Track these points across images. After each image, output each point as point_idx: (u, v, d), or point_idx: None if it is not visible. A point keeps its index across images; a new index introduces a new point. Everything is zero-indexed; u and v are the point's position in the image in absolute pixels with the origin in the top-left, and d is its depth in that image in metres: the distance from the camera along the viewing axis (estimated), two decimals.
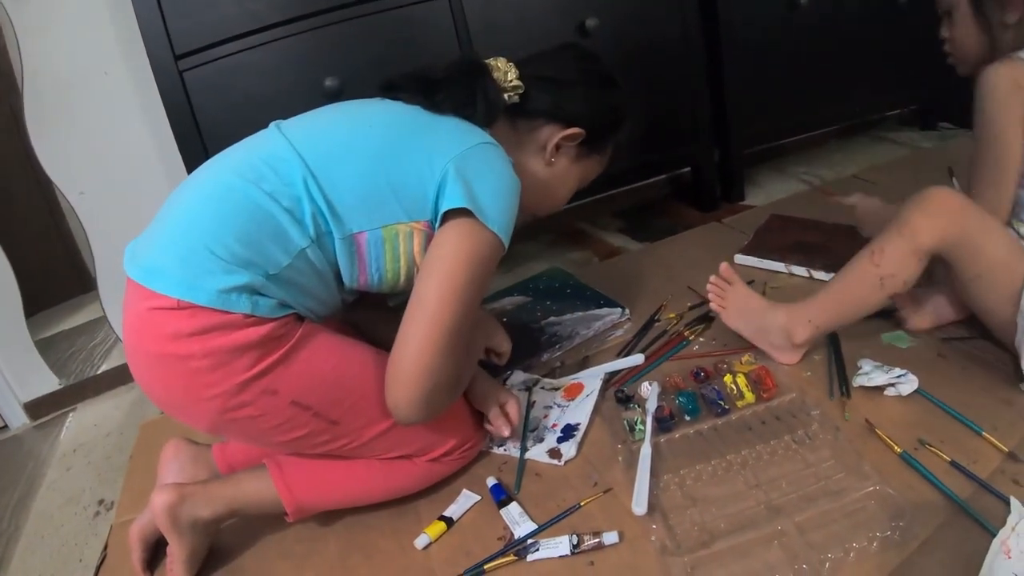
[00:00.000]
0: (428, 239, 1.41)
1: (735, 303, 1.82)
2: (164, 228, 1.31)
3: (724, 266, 1.84)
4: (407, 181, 1.36)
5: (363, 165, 1.35)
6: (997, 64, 1.53)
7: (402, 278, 1.45)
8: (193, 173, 1.40)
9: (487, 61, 1.53)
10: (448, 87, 1.46)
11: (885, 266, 1.58)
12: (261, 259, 1.27)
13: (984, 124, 1.57)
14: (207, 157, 1.41)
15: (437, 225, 1.38)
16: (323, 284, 1.39)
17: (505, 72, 1.52)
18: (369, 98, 1.52)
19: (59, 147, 2.34)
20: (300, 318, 1.36)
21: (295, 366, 1.31)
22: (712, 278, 1.84)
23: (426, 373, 1.32)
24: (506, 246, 1.40)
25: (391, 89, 1.50)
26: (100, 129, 2.38)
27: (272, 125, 1.43)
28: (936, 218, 1.53)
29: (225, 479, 1.53)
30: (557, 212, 1.72)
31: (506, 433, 1.60)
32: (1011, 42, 1.58)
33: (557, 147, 1.59)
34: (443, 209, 1.35)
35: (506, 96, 1.51)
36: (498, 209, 1.37)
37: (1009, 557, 1.15)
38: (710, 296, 1.85)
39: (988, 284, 1.55)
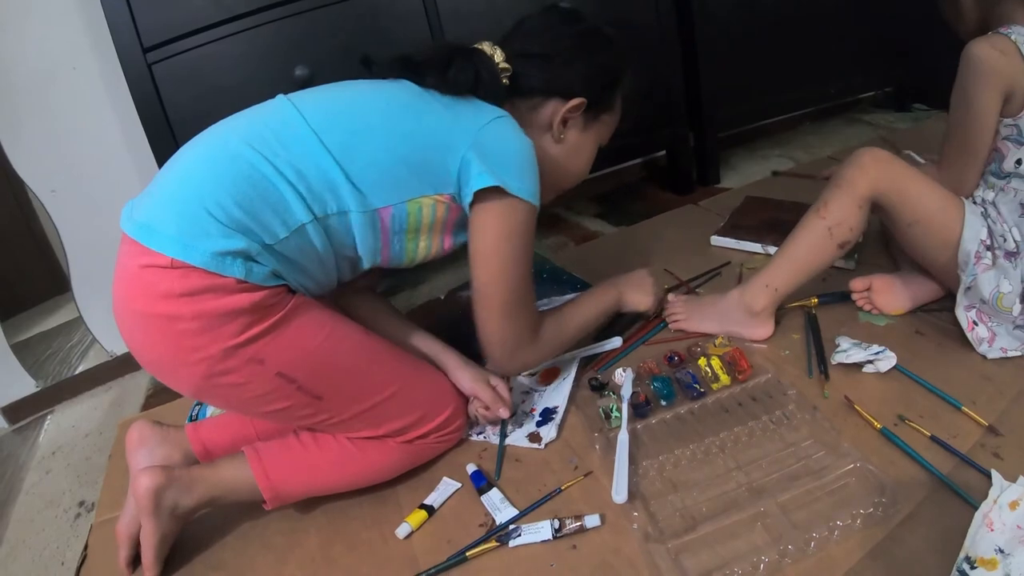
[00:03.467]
0: (449, 210, 1.46)
1: (690, 310, 1.91)
2: (163, 186, 1.30)
3: (669, 296, 1.99)
4: (429, 158, 1.39)
5: (385, 142, 1.36)
6: (980, 39, 1.56)
7: (420, 253, 1.51)
8: (197, 136, 1.38)
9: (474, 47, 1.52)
10: (453, 66, 1.44)
11: (831, 217, 1.67)
12: (258, 227, 1.26)
13: (961, 97, 1.61)
14: (176, 148, 1.40)
15: (467, 203, 1.42)
16: (319, 263, 1.38)
17: (491, 56, 1.50)
18: (377, 79, 1.51)
19: (29, 145, 2.31)
20: (292, 290, 1.35)
21: (284, 337, 1.30)
22: (665, 305, 1.97)
23: (510, 344, 1.53)
24: (538, 207, 1.46)
25: (392, 69, 1.49)
26: (70, 125, 2.34)
27: (280, 97, 1.41)
28: (867, 168, 1.65)
29: (204, 466, 1.52)
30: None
31: (506, 415, 1.61)
32: (974, 7, 1.64)
33: (564, 122, 1.57)
34: (473, 189, 1.39)
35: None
36: (523, 178, 1.41)
37: (992, 530, 1.17)
38: (669, 320, 1.94)
39: (925, 230, 1.63)
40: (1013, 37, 1.53)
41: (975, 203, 1.64)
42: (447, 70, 1.43)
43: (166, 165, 1.35)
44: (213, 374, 1.27)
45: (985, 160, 1.64)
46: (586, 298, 1.79)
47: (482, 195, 1.40)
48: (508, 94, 1.52)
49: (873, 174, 1.63)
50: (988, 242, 1.56)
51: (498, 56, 1.50)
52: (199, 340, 1.24)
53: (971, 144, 1.63)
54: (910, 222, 1.63)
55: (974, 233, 1.57)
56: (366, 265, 1.47)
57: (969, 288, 1.58)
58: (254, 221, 1.25)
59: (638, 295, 1.87)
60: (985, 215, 1.60)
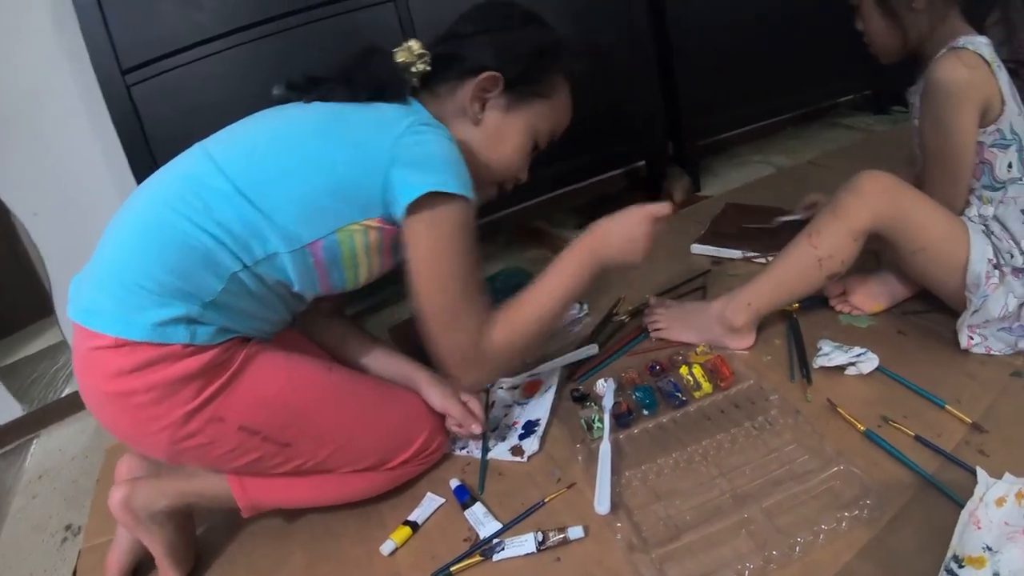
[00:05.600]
0: (382, 232, 1.41)
1: (672, 319, 1.89)
2: (98, 265, 1.31)
3: (651, 299, 1.97)
4: (349, 183, 1.34)
5: (302, 175, 1.32)
6: (945, 61, 1.55)
7: (362, 277, 1.47)
8: (125, 202, 1.38)
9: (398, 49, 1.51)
10: (355, 74, 1.43)
11: (823, 248, 1.62)
12: (194, 288, 1.26)
13: (935, 123, 1.60)
14: (156, 169, 1.40)
15: (400, 220, 1.37)
16: (262, 305, 1.37)
17: (409, 47, 1.49)
18: (288, 103, 1.49)
19: (10, 168, 2.31)
20: (246, 340, 1.35)
21: (239, 391, 1.31)
22: (646, 311, 1.95)
23: (458, 357, 1.45)
24: (471, 199, 1.39)
25: (300, 90, 1.47)
26: (51, 148, 2.35)
27: (197, 146, 1.40)
28: (867, 198, 1.59)
29: (179, 471, 1.50)
30: (518, 207, 1.68)
31: (478, 431, 1.59)
32: (927, 25, 1.61)
33: (480, 102, 1.52)
34: (404, 204, 1.33)
35: (416, 68, 1.49)
36: (448, 172, 1.35)
37: (979, 528, 1.17)
38: (650, 328, 1.92)
39: (932, 256, 1.59)
40: (971, 48, 1.53)
41: (973, 221, 1.61)
42: (351, 81, 1.42)
43: (102, 238, 1.35)
44: (177, 439, 1.30)
45: (971, 173, 1.62)
46: (550, 274, 1.55)
47: (412, 206, 1.34)
48: (427, 83, 1.51)
49: (874, 204, 1.58)
50: (995, 260, 1.54)
51: (416, 45, 1.49)
52: (157, 410, 1.26)
53: (955, 166, 1.60)
54: (915, 250, 1.60)
55: (981, 254, 1.54)
56: (309, 299, 1.46)
57: (976, 311, 1.56)
58: (188, 283, 1.25)
59: (625, 244, 1.57)
60: (987, 232, 1.58)
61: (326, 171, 1.33)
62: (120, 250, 1.29)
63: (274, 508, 1.53)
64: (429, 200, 1.33)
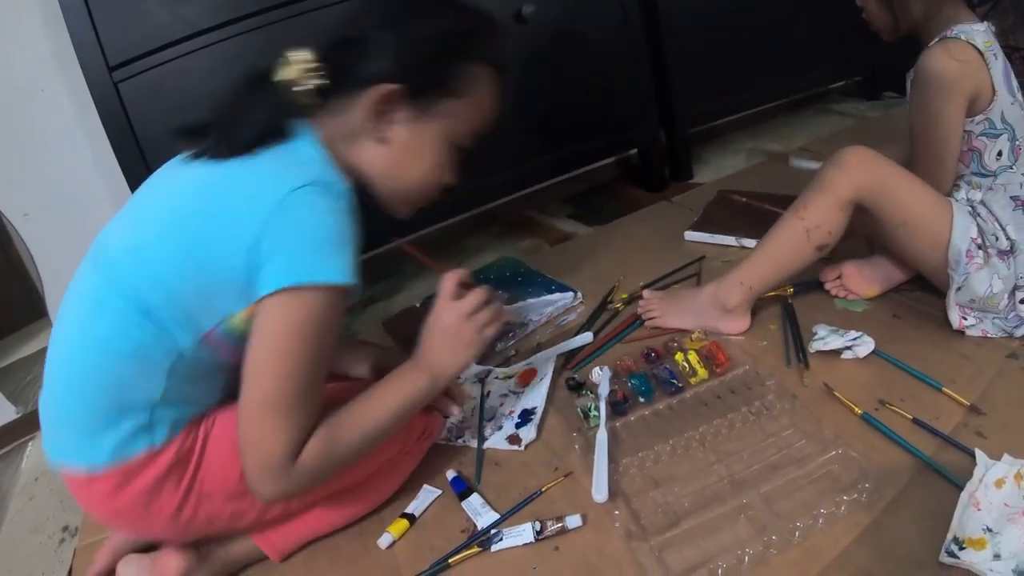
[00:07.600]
0: None
1: (666, 307, 1.89)
2: (47, 398, 1.30)
3: (645, 292, 1.96)
4: (223, 271, 1.19)
5: (180, 273, 1.20)
6: (935, 51, 1.56)
7: None
8: (54, 326, 1.31)
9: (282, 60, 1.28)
10: (230, 126, 1.25)
11: (810, 218, 1.64)
12: (139, 395, 1.23)
13: (923, 111, 1.61)
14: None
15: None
16: (210, 380, 1.33)
17: (291, 62, 1.25)
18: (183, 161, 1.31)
19: None
20: (202, 416, 1.33)
21: (213, 465, 1.30)
22: (640, 303, 1.95)
23: (260, 459, 1.20)
24: (349, 283, 1.19)
25: (192, 136, 1.30)
26: (40, 148, 2.34)
27: (90, 254, 1.30)
28: (850, 170, 1.61)
29: (216, 544, 1.46)
30: (503, 202, 1.63)
31: (455, 411, 1.55)
32: (921, 11, 1.61)
33: (382, 116, 1.29)
34: (261, 294, 1.17)
35: (308, 86, 1.25)
36: (320, 258, 1.18)
37: (979, 509, 1.17)
38: (644, 317, 1.92)
39: (914, 231, 1.60)
40: (963, 38, 1.53)
41: (959, 203, 1.62)
42: (228, 135, 1.24)
43: (46, 361, 1.30)
44: (182, 526, 1.31)
45: (956, 159, 1.63)
46: (379, 391, 1.36)
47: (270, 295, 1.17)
48: (327, 96, 1.28)
49: (856, 176, 1.60)
50: (979, 241, 1.55)
51: (300, 59, 1.25)
52: (151, 512, 1.27)
53: (940, 152, 1.61)
54: (897, 224, 1.60)
55: (963, 231, 1.55)
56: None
57: (960, 288, 1.57)
58: (132, 394, 1.23)
59: (448, 342, 1.41)
60: (974, 214, 1.58)
61: (201, 258, 1.19)
62: (59, 385, 1.28)
63: (303, 543, 1.50)
64: (288, 289, 1.16)
